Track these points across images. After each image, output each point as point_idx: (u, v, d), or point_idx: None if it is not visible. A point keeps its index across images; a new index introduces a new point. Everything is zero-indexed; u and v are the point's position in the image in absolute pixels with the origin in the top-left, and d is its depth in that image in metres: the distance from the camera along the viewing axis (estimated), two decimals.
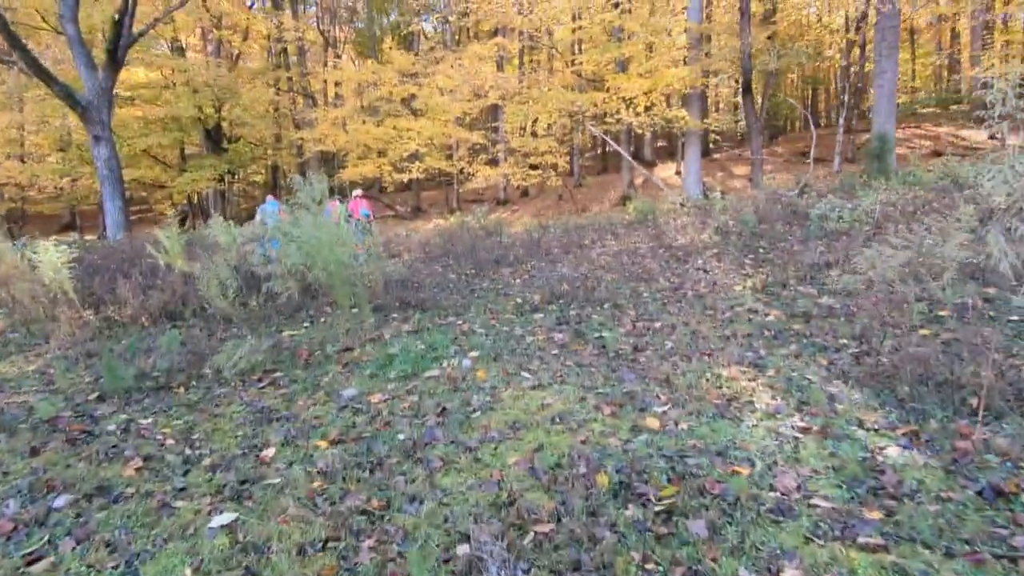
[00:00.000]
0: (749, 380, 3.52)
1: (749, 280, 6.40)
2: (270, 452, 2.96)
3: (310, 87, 25.32)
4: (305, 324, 5.78)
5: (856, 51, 17.79)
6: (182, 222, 18.59)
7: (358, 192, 10.79)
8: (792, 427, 2.78)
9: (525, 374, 3.88)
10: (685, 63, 14.88)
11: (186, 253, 7.60)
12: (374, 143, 20.33)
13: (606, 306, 5.87)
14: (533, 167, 18.44)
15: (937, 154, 19.46)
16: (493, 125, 23.17)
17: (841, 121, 15.35)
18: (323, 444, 3.04)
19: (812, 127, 14.38)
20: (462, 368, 4.04)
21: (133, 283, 6.79)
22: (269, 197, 10.37)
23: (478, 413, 3.26)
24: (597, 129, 17.22)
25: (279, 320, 5.90)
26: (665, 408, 3.11)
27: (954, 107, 27.16)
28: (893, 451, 2.46)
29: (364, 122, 20.49)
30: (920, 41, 30.97)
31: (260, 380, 4.16)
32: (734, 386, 3.41)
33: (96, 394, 3.99)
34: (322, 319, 5.88)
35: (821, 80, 30.83)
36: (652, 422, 2.93)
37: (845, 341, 4.32)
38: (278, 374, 4.28)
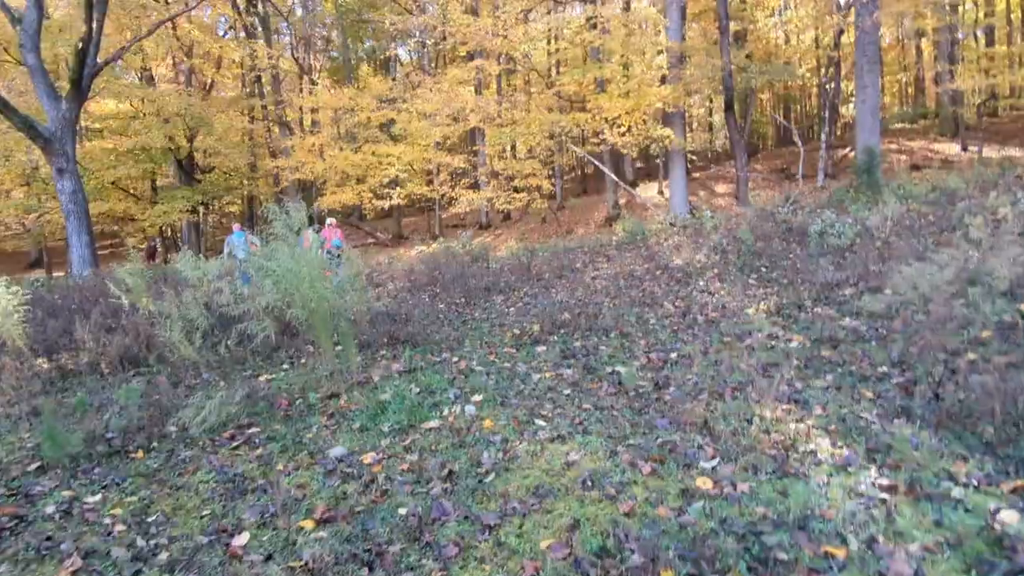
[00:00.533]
0: (797, 421, 3.08)
1: (761, 303, 6.02)
2: (242, 539, 2.42)
3: (285, 115, 24.85)
4: (284, 366, 5.22)
5: (832, 69, 17.98)
6: (150, 256, 17.82)
7: (331, 221, 10.38)
8: (873, 484, 2.33)
9: (539, 422, 3.39)
10: (664, 82, 14.79)
11: (153, 291, 7.00)
12: (353, 170, 19.85)
13: (612, 335, 5.43)
14: (517, 190, 18.11)
15: (915, 167, 19.64)
16: (474, 149, 22.90)
17: (823, 137, 15.37)
18: (308, 524, 2.51)
19: (799, 143, 14.34)
20: (466, 416, 3.54)
21: (93, 326, 6.16)
22: (235, 227, 9.85)
23: (492, 476, 2.76)
24: (581, 150, 17.02)
25: (255, 362, 5.34)
26: (714, 463, 2.64)
27: (922, 122, 27.77)
28: (1011, 517, 2.02)
29: (342, 149, 20.02)
30: (886, 60, 31.78)
31: (232, 438, 3.61)
32: (783, 430, 2.97)
33: (37, 464, 3.39)
34: (303, 360, 5.33)
35: (794, 98, 31.35)
36: (704, 483, 2.46)
37: (885, 369, 3.92)
38: (253, 429, 3.73)
